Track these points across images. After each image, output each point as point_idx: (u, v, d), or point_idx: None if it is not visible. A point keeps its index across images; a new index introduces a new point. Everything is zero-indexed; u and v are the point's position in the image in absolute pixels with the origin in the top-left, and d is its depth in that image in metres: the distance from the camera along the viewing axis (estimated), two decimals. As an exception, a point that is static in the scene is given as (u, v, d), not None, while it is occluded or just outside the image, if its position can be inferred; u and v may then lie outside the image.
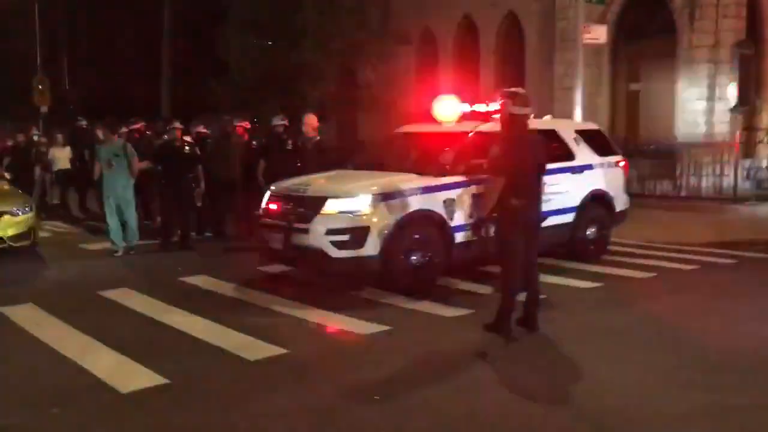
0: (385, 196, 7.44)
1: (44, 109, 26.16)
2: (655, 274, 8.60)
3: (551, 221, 7.68)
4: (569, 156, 9.04)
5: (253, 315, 6.97)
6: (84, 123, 15.65)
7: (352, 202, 7.40)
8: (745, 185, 15.70)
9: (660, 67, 16.99)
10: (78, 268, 9.52)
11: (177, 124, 10.70)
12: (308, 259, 7.57)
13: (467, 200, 7.88)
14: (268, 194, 8.30)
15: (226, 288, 8.13)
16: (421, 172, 7.92)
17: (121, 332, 6.45)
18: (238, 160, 11.24)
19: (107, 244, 10.85)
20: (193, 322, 6.63)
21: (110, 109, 17.18)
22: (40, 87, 26.04)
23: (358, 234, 7.28)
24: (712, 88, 15.83)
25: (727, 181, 15.36)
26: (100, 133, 11.33)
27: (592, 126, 10.46)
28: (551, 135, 8.70)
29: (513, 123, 5.83)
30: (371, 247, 7.30)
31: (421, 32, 21.72)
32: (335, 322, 6.61)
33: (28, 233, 10.14)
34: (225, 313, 6.91)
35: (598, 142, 9.61)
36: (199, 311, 6.98)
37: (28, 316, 7.02)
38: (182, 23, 25.78)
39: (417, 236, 7.57)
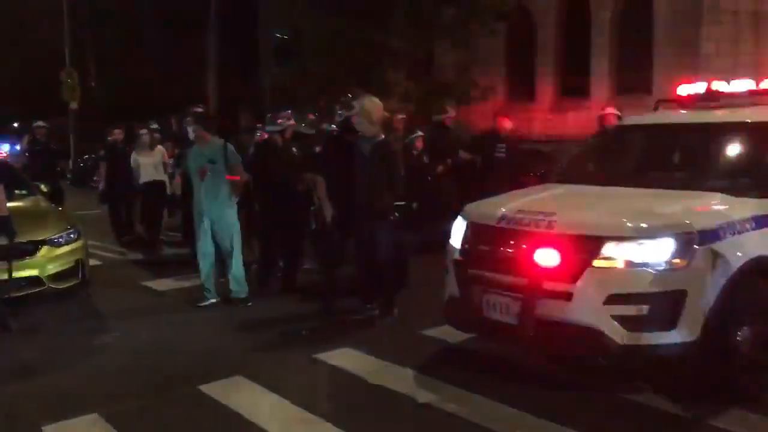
0: (705, 236, 4.27)
1: (74, 105, 24.08)
2: None
3: None
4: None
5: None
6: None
7: (650, 246, 4.21)
8: None
9: None
10: (153, 331, 6.32)
11: (288, 120, 7.32)
12: (571, 345, 4.41)
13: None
14: (464, 224, 5.17)
15: (402, 379, 4.95)
16: (713, 189, 4.80)
17: None
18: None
19: (184, 283, 7.92)
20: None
21: (144, 107, 14.11)
22: (69, 81, 23.76)
23: (667, 304, 4.14)
24: None
25: None
26: (190, 131, 7.47)
27: None
28: None
29: None
30: (689, 327, 4.16)
31: (512, 8, 18.43)
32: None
33: (76, 269, 7.18)
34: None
35: None
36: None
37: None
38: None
39: (752, 304, 4.42)
